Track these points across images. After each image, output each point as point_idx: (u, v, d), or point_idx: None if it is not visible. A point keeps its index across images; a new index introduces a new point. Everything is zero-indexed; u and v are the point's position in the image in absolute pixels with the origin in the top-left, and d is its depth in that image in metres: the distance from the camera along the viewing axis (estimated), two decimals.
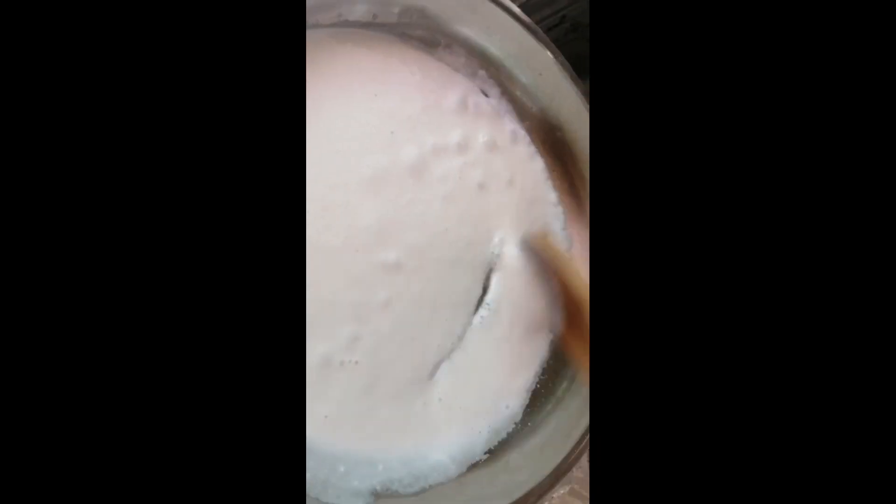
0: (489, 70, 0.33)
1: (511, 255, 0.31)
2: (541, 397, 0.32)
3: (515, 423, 0.30)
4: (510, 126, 0.34)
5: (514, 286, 0.31)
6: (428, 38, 0.32)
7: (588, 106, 0.32)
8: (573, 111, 0.33)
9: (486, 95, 0.33)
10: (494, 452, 0.29)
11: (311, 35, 0.29)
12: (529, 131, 0.34)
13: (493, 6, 0.31)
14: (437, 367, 0.29)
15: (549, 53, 0.32)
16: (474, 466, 0.29)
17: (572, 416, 0.29)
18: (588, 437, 0.27)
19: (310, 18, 0.28)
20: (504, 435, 0.30)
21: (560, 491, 0.32)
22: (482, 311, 0.30)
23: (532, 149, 0.34)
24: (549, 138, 0.34)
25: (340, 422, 0.27)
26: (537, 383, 0.32)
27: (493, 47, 0.33)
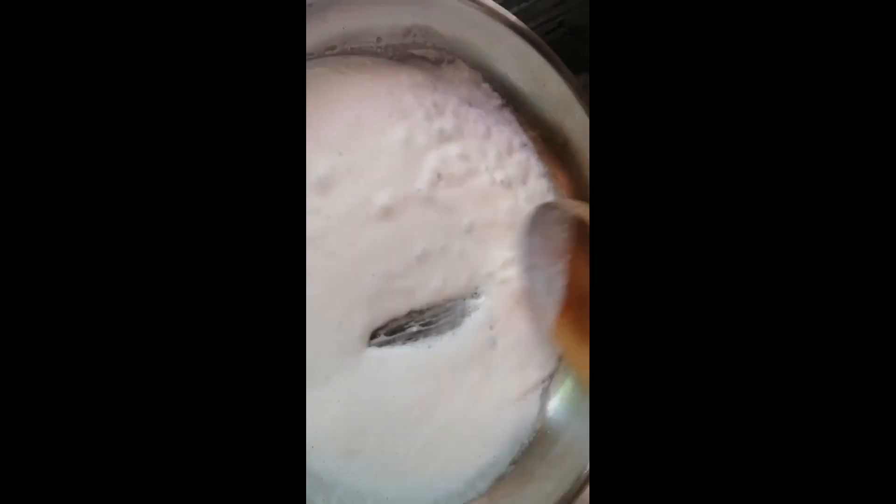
0: (492, 83, 0.33)
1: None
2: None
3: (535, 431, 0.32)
4: (514, 137, 0.34)
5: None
6: (432, 55, 0.32)
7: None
8: (577, 122, 0.33)
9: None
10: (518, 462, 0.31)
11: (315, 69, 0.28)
12: (534, 141, 0.35)
13: (494, 21, 0.31)
14: None
15: (551, 67, 0.32)
16: (501, 480, 0.30)
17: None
18: None
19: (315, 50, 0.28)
20: (526, 443, 0.32)
21: None
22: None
23: (535, 159, 0.35)
24: (554, 149, 0.35)
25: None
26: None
27: (496, 61, 0.32)
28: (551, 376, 0.33)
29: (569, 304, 0.29)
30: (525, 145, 0.35)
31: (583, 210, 0.29)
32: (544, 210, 0.32)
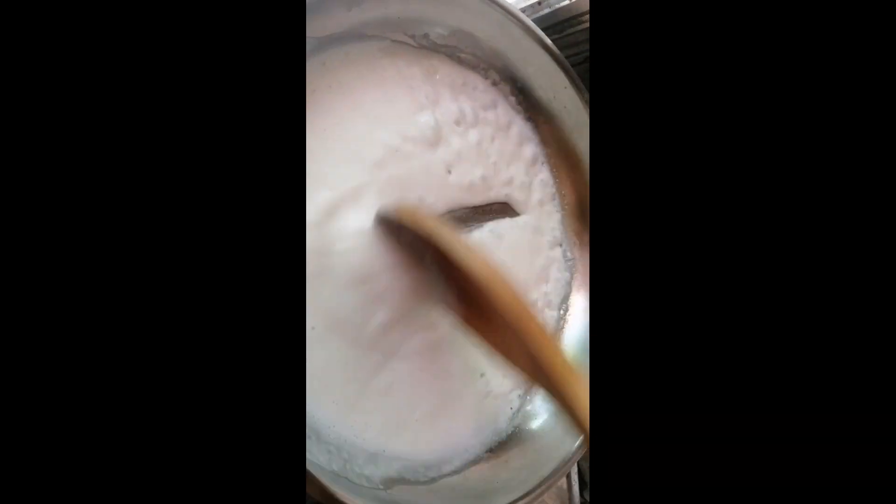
0: (518, 97, 0.36)
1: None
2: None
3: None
4: (531, 150, 0.37)
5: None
6: (470, 60, 0.34)
7: None
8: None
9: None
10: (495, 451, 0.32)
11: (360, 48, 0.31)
12: (550, 157, 0.37)
13: (531, 41, 0.33)
14: None
15: (574, 91, 0.35)
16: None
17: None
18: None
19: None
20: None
21: None
22: None
23: (548, 173, 0.37)
24: (568, 166, 0.37)
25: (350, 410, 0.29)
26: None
27: (528, 78, 0.35)
28: None
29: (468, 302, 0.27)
30: (538, 159, 0.37)
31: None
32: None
